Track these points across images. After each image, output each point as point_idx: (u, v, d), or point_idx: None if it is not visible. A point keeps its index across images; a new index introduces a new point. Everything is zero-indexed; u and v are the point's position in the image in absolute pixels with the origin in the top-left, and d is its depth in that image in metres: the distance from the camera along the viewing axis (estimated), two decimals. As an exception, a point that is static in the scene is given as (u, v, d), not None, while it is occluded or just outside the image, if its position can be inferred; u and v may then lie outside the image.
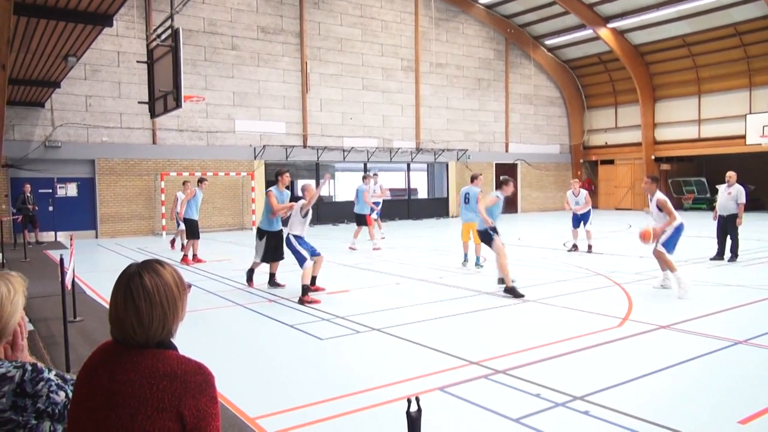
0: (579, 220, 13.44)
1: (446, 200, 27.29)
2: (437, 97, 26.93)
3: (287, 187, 9.48)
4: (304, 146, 23.23)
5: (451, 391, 4.63)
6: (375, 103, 25.06)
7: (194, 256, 12.76)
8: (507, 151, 29.45)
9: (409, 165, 26.54)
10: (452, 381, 4.86)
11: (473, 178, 11.51)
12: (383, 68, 25.34)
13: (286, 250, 8.80)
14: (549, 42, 29.63)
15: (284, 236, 8.65)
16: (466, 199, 11.24)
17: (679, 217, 8.47)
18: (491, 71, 28.84)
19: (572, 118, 31.79)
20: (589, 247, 13.07)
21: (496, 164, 28.98)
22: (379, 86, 25.20)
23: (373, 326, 6.76)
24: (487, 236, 8.79)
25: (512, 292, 8.32)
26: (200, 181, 12.86)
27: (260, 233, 9.38)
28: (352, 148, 24.08)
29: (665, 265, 8.46)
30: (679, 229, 8.42)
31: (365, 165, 25.29)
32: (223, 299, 8.67)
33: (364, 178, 16.00)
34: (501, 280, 8.76)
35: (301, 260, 8.30)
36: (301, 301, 8.13)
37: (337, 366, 5.48)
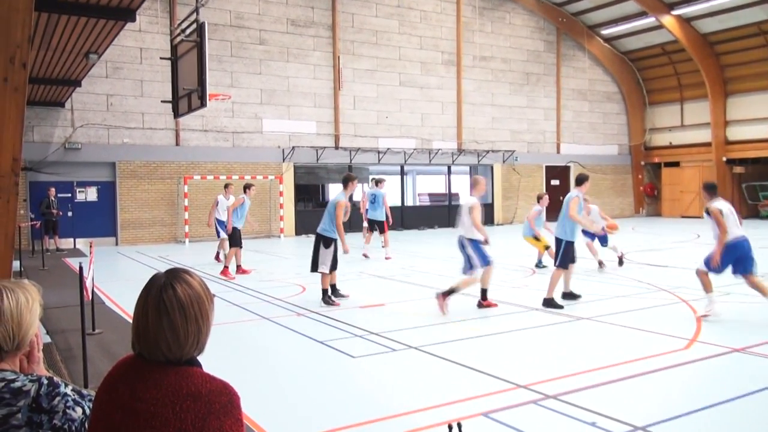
0: (594, 235, 12.08)
1: (491, 205, 27.09)
2: (481, 94, 26.80)
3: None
4: (336, 147, 23.41)
5: (496, 417, 4.58)
6: (413, 101, 25.10)
7: (238, 267, 12.82)
8: (558, 152, 29.09)
9: (449, 168, 26.46)
10: (497, 406, 4.80)
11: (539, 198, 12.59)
12: (422, 62, 25.36)
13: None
14: (606, 32, 29.18)
15: (459, 240, 8.83)
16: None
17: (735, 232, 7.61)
18: (541, 65, 28.56)
19: (632, 115, 31.21)
20: (620, 259, 12.60)
21: (546, 167, 28.64)
22: (417, 82, 25.23)
23: (410, 344, 6.74)
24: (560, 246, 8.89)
25: (551, 303, 8.59)
26: (247, 187, 12.72)
27: (327, 241, 9.16)
28: (388, 149, 24.15)
29: (707, 284, 7.79)
30: (729, 248, 7.55)
31: (402, 168, 25.32)
32: (248, 312, 8.78)
33: (378, 182, 16.14)
34: (568, 295, 9.02)
35: (472, 265, 8.53)
36: (480, 305, 8.66)
37: (370, 387, 5.48)
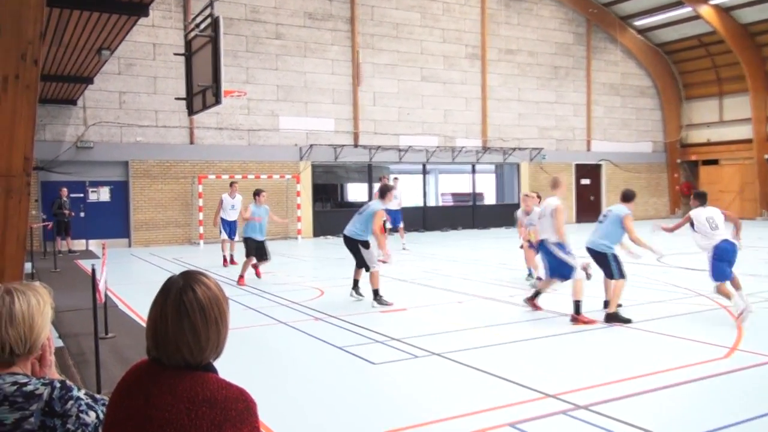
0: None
1: (517, 207, 26.86)
2: (507, 89, 26.68)
3: None
4: (355, 145, 23.46)
5: (524, 427, 4.55)
6: (435, 96, 25.07)
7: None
8: (589, 149, 28.85)
9: (474, 166, 26.38)
10: (525, 416, 4.77)
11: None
12: (445, 56, 25.32)
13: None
14: (639, 23, 28.88)
15: (543, 245, 8.44)
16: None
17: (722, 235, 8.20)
18: (570, 58, 28.35)
19: (667, 111, 30.84)
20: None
21: (575, 165, 28.43)
22: (440, 77, 25.19)
23: (433, 350, 6.72)
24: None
25: (616, 318, 8.00)
26: (257, 193, 12.11)
27: (365, 243, 9.62)
28: (410, 147, 24.14)
29: (727, 294, 8.02)
30: (716, 252, 8.05)
31: (424, 166, 25.30)
32: (264, 316, 8.83)
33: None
34: (609, 307, 8.37)
35: (567, 272, 8.16)
36: (575, 320, 7.91)
37: (391, 395, 5.47)
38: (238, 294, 10.50)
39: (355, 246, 9.61)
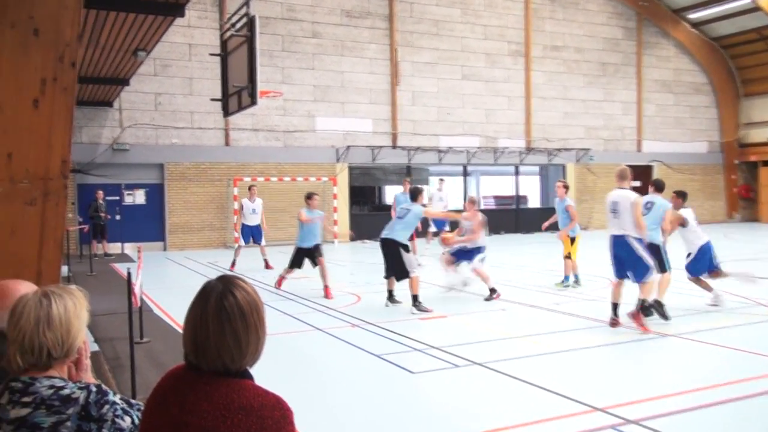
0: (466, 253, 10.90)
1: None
2: (552, 87, 26.40)
3: None
4: (394, 147, 23.49)
5: (570, 442, 4.48)
6: (477, 95, 24.95)
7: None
8: (640, 150, 28.34)
9: (517, 168, 26.16)
10: (571, 430, 4.71)
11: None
12: (487, 54, 25.18)
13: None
14: (693, 16, 28.27)
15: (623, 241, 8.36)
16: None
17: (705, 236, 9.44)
18: (619, 54, 27.91)
19: (724, 108, 30.11)
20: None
21: (625, 166, 27.89)
22: (481, 75, 25.07)
23: (475, 360, 6.68)
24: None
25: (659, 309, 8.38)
26: (309, 197, 11.60)
27: (405, 247, 9.73)
28: (450, 148, 24.07)
29: (705, 287, 9.45)
30: (703, 250, 9.32)
31: (465, 168, 25.19)
32: (300, 322, 8.90)
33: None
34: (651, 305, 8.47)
35: (643, 270, 7.91)
36: (635, 317, 7.84)
37: (430, 406, 5.46)
38: (274, 299, 10.60)
39: (396, 250, 9.59)
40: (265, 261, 15.01)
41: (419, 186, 10.68)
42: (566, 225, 11.60)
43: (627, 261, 8.02)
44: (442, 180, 18.75)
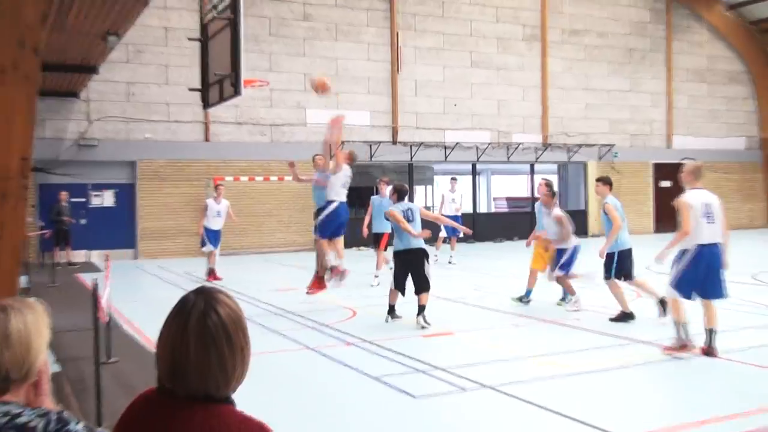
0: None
1: (584, 213, 26.63)
2: (572, 75, 26.45)
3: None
4: (394, 142, 23.52)
5: (592, 475, 4.48)
6: (487, 85, 24.99)
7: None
8: (669, 146, 28.40)
9: (532, 166, 26.19)
10: (593, 461, 4.69)
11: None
12: (498, 38, 25.23)
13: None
14: (730, -4, 28.37)
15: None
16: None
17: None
18: (647, 39, 27.98)
19: (763, 100, 30.20)
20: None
21: (653, 164, 27.98)
22: (492, 62, 25.11)
23: (485, 382, 6.67)
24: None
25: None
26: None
27: (427, 255, 9.85)
28: (457, 144, 24.10)
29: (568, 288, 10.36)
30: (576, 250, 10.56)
31: (474, 166, 25.21)
32: (288, 340, 8.88)
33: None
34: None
35: (724, 286, 7.65)
36: (709, 353, 7.43)
37: (435, 433, 5.44)
38: (257, 314, 10.59)
39: (422, 260, 9.58)
40: (211, 270, 14.82)
41: (404, 185, 10.48)
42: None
43: (717, 274, 7.62)
44: (454, 179, 18.46)
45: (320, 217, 10.93)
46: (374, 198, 15.18)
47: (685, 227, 7.50)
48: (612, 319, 9.49)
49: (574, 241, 10.77)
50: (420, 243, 9.67)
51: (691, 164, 8.07)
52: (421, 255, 9.61)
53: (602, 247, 9.61)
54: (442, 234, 17.31)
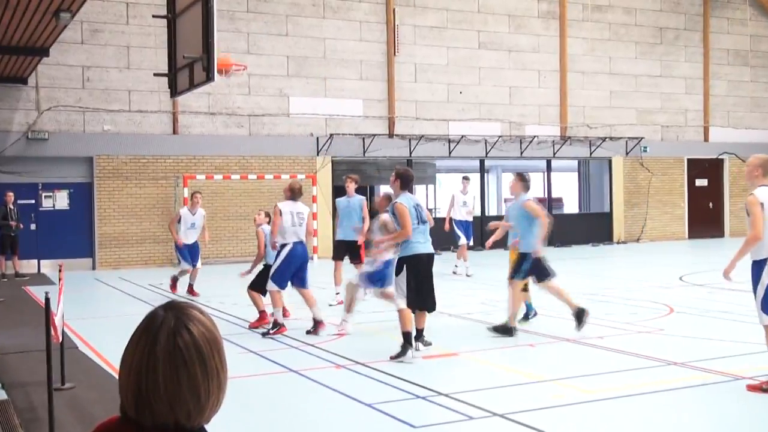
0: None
1: (609, 216, 26.67)
2: (594, 58, 26.51)
3: None
4: (390, 135, 23.53)
5: None
6: (497, 69, 25.04)
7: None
8: (707, 139, 28.45)
9: (549, 162, 26.26)
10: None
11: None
12: (510, 16, 25.28)
13: None
14: (775, -33, 28.48)
15: None
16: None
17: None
18: (681, 16, 28.05)
19: (815, 86, 30.30)
20: None
21: (688, 160, 28.03)
22: (503, 43, 25.16)
23: (494, 410, 6.69)
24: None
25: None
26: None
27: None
28: (463, 137, 24.11)
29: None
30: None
31: (482, 162, 25.24)
32: (270, 362, 8.88)
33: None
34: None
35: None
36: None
37: (437, 469, 5.46)
38: (235, 332, 10.59)
39: (432, 269, 9.17)
40: (191, 285, 14.79)
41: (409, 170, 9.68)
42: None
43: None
44: (466, 179, 18.16)
45: (274, 265, 10.67)
46: (340, 200, 14.16)
47: (757, 231, 6.94)
48: (490, 329, 10.10)
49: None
50: (430, 247, 9.02)
51: (758, 157, 7.78)
52: (432, 263, 9.09)
53: (537, 246, 10.24)
54: (462, 242, 17.04)
